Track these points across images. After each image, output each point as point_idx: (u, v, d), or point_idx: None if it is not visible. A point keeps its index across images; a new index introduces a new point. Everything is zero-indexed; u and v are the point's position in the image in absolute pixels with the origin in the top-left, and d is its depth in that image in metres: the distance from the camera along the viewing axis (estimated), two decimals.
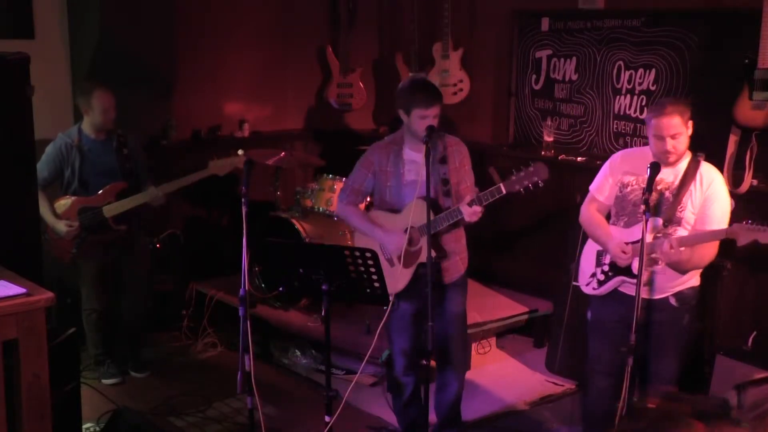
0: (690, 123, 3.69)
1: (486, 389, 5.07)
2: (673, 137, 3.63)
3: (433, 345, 3.67)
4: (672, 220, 3.69)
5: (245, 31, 6.61)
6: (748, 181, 4.78)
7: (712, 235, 3.61)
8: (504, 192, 3.76)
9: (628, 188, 3.83)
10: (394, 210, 4.06)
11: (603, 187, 3.95)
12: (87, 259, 5.06)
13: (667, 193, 3.73)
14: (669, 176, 3.74)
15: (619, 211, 3.88)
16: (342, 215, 4.30)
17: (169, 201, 5.16)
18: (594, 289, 3.94)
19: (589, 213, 3.98)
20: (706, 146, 5.06)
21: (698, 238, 3.64)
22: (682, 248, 3.58)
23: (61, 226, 4.90)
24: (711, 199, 3.69)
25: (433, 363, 4.14)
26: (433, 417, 4.27)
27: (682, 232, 3.70)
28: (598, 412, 4.02)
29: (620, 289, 3.86)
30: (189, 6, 6.29)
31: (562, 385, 5.16)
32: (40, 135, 4.03)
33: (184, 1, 6.27)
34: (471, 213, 3.80)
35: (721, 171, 4.78)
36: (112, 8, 5.89)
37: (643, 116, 5.41)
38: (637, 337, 3.55)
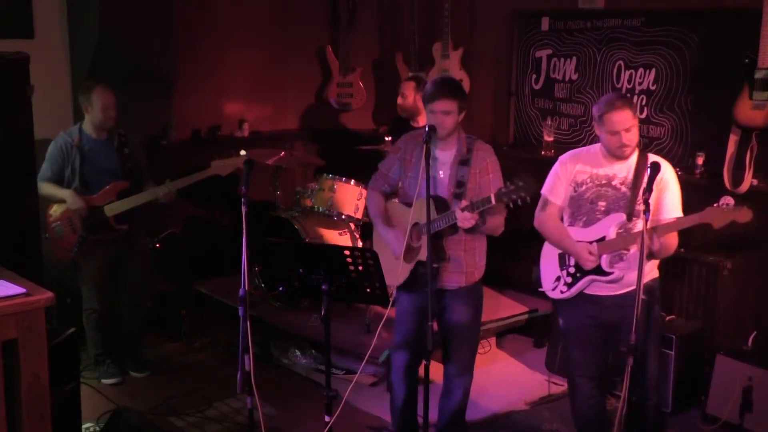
0: (637, 116, 3.76)
1: (486, 389, 5.07)
2: (627, 130, 3.69)
3: (432, 345, 3.65)
4: (632, 214, 3.73)
5: (245, 31, 6.62)
6: (748, 181, 4.78)
7: (687, 221, 3.64)
8: (493, 203, 3.70)
9: (583, 187, 3.84)
10: (408, 203, 4.06)
11: (556, 189, 3.93)
12: (87, 258, 5.06)
13: (623, 188, 3.76)
14: (622, 171, 3.78)
15: (575, 212, 3.88)
16: (367, 199, 4.34)
17: (170, 201, 5.15)
18: (562, 293, 3.92)
19: (545, 217, 3.96)
20: (706, 146, 5.11)
21: (673, 226, 3.67)
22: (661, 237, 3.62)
23: (73, 198, 4.88)
24: (664, 189, 3.74)
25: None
26: (433, 417, 4.25)
27: (639, 224, 3.70)
28: (588, 415, 4.03)
29: (586, 291, 3.85)
30: (189, 6, 6.30)
31: (562, 385, 5.15)
32: (40, 135, 4.03)
33: (184, 1, 6.27)
34: (463, 218, 3.75)
35: (721, 171, 4.82)
36: (112, 8, 5.89)
37: (643, 116, 5.42)
38: (613, 340, 3.55)
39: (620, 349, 3.63)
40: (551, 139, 5.96)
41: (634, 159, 3.78)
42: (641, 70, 5.46)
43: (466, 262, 4.02)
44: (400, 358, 4.18)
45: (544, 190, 3.97)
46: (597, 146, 3.88)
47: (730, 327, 4.93)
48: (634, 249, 3.70)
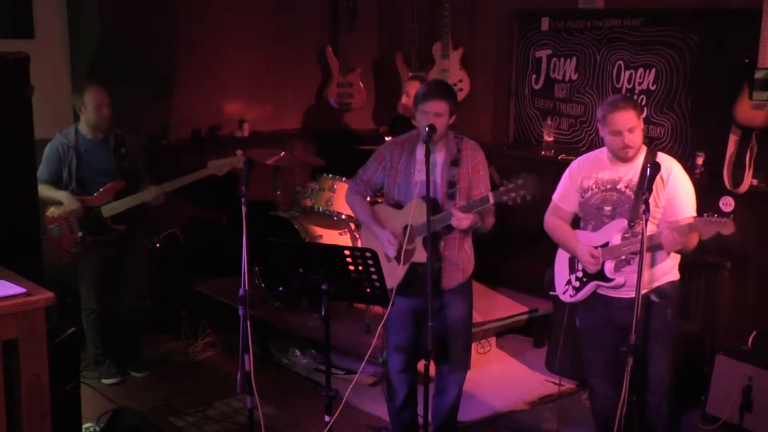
0: (641, 118, 3.73)
1: (486, 389, 5.07)
2: (630, 131, 3.66)
3: (433, 345, 3.65)
4: (637, 218, 3.67)
5: (245, 31, 6.62)
6: (748, 180, 4.78)
7: (682, 229, 3.57)
8: (491, 202, 3.71)
9: (589, 193, 3.84)
10: (398, 206, 4.06)
11: (564, 195, 3.97)
12: (86, 259, 5.06)
13: (628, 191, 3.73)
14: (628, 174, 3.75)
15: (584, 217, 3.90)
16: (348, 203, 4.31)
17: (169, 201, 5.16)
18: (571, 296, 3.94)
19: (553, 221, 4.00)
20: (706, 146, 5.11)
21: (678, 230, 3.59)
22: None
23: (69, 200, 4.88)
24: (674, 188, 3.70)
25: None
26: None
27: (649, 227, 3.66)
28: (606, 416, 4.00)
29: (600, 292, 3.86)
30: (189, 6, 6.30)
31: (562, 385, 5.15)
32: (40, 135, 4.03)
33: (184, 1, 6.27)
34: (459, 218, 3.76)
35: (721, 171, 4.82)
36: (112, 8, 5.89)
37: (643, 116, 5.42)
38: (627, 337, 3.54)
39: (620, 349, 3.62)
40: (551, 139, 5.96)
41: (640, 161, 3.75)
42: (641, 70, 5.46)
43: (461, 259, 4.04)
44: (396, 359, 4.17)
45: (554, 196, 4.01)
46: (604, 150, 3.86)
47: (730, 327, 4.93)
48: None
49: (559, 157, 5.86)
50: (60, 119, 5.51)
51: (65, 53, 5.83)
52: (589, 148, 5.79)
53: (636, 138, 3.69)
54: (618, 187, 3.76)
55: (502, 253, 6.16)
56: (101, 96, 4.92)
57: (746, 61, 4.59)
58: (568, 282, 3.96)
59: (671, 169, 3.71)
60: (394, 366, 4.19)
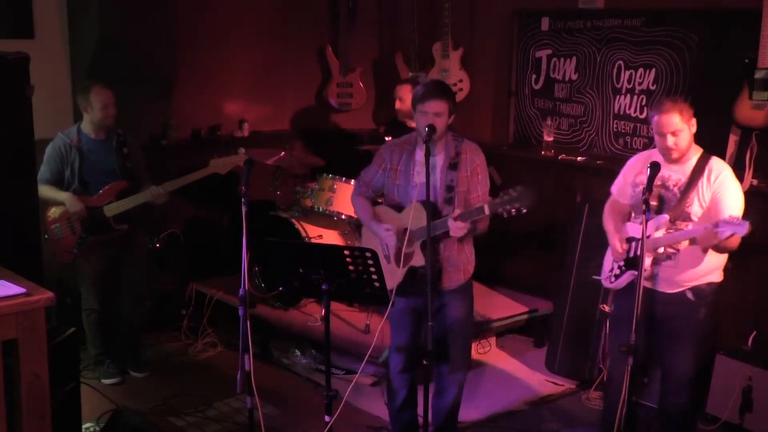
0: (693, 121, 3.78)
1: (486, 389, 5.07)
2: (673, 134, 3.74)
3: (433, 345, 3.65)
4: (680, 216, 3.77)
5: (245, 31, 6.62)
6: (748, 180, 4.78)
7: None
8: (487, 213, 3.71)
9: (640, 187, 3.90)
10: (398, 208, 4.05)
11: (620, 188, 4.11)
12: (87, 259, 5.06)
13: (675, 190, 3.82)
14: (678, 173, 3.84)
15: (635, 210, 4.01)
16: (353, 204, 4.31)
17: (170, 201, 5.15)
18: (611, 282, 4.05)
19: (606, 210, 4.15)
20: (706, 146, 5.10)
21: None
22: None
23: (72, 201, 4.88)
24: (721, 189, 3.75)
25: None
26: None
27: (690, 225, 3.77)
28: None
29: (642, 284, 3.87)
30: (189, 6, 6.29)
31: (562, 385, 5.16)
32: (40, 135, 4.03)
33: (184, 1, 6.27)
34: (456, 227, 3.77)
35: None
36: (112, 8, 5.89)
37: (643, 116, 5.43)
38: (653, 332, 3.56)
39: (620, 348, 3.62)
40: (551, 139, 5.96)
41: (693, 162, 3.82)
42: (641, 70, 5.46)
43: (462, 260, 4.04)
44: (396, 359, 4.18)
45: (612, 188, 4.16)
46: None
47: (730, 327, 4.93)
48: (684, 249, 3.75)
49: (559, 157, 5.86)
50: (60, 119, 5.51)
51: (65, 53, 5.83)
52: (589, 149, 5.82)
53: (680, 141, 3.76)
54: (667, 184, 3.84)
55: (502, 253, 6.16)
56: (107, 96, 4.93)
57: (746, 61, 4.59)
58: (611, 269, 4.06)
59: (721, 171, 3.79)
60: (394, 366, 4.19)
